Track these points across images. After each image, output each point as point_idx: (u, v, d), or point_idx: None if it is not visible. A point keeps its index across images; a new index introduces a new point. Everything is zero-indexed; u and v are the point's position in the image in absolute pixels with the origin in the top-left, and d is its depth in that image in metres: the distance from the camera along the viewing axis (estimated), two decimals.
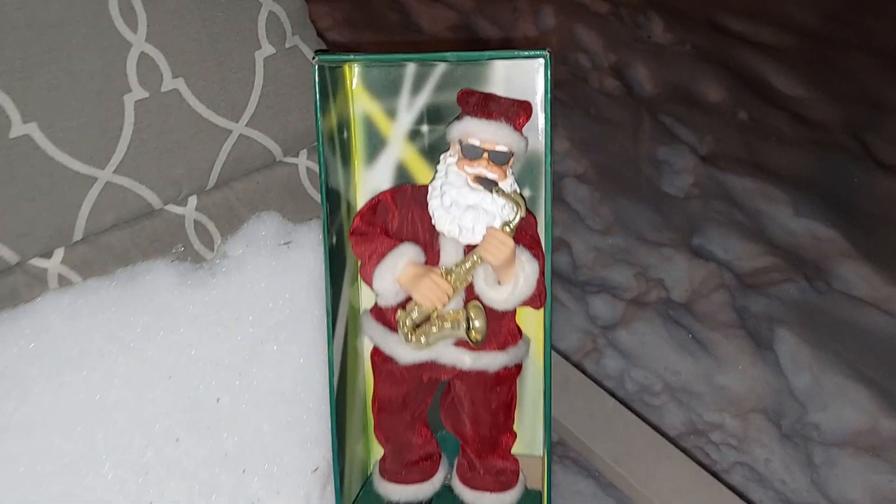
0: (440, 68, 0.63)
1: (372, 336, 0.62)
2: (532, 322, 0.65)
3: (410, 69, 0.64)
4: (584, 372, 0.73)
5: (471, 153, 0.56)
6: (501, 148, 0.56)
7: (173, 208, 0.71)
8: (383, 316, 0.61)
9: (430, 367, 0.60)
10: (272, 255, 0.73)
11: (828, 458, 1.35)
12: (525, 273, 0.56)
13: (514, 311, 0.62)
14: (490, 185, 0.56)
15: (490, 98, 0.59)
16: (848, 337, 1.52)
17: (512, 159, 0.58)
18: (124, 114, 0.65)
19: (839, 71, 2.42)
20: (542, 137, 0.62)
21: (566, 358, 0.76)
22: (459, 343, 0.59)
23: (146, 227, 0.68)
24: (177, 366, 0.67)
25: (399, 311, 0.58)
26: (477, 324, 0.56)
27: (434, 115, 0.64)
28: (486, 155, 0.56)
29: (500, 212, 0.56)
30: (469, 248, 0.58)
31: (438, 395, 0.66)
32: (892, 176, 1.93)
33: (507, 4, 2.46)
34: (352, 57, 0.58)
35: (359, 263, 0.62)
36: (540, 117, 0.62)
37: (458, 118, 0.59)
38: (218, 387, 0.67)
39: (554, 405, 0.66)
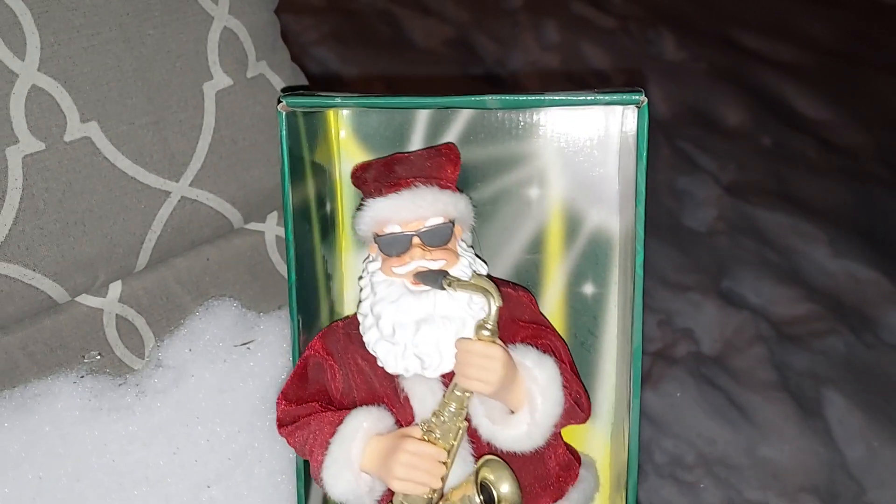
0: (466, 111, 0.44)
1: None
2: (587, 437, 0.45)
3: (424, 112, 0.44)
4: None
5: (394, 247, 0.39)
6: (435, 221, 0.39)
7: (87, 300, 0.52)
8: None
9: None
10: (226, 361, 0.54)
11: None
12: (539, 385, 0.37)
13: (559, 433, 0.43)
14: (438, 278, 0.38)
15: (392, 161, 0.42)
16: None
17: (455, 229, 0.40)
18: (8, 174, 0.46)
19: (864, 93, 2.26)
20: (617, 213, 0.43)
21: None
22: None
23: (45, 328, 0.51)
24: None
25: None
26: (503, 489, 0.36)
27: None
28: (415, 240, 0.39)
29: (467, 310, 0.38)
30: (447, 379, 0.39)
31: None
32: None
33: (506, 18, 2.28)
34: (337, 101, 0.38)
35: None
36: (617, 185, 0.42)
37: (359, 207, 0.42)
38: None
39: None
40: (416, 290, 0.38)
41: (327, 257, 0.45)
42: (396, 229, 0.39)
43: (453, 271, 0.38)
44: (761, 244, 1.71)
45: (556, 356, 0.39)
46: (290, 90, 0.54)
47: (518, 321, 0.40)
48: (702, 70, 2.26)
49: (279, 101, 0.38)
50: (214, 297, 0.56)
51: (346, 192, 0.47)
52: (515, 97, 0.37)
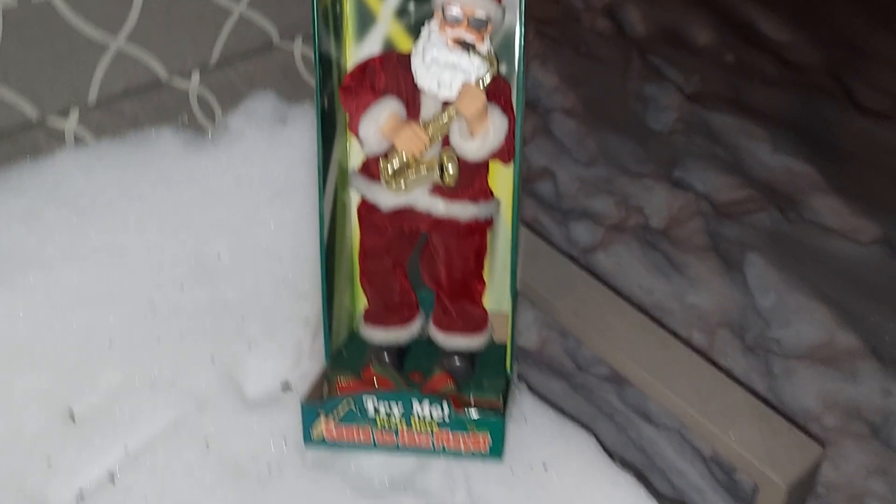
0: None
1: (358, 188, 0.69)
2: (504, 187, 0.72)
3: None
4: (551, 243, 0.80)
5: (452, 19, 0.63)
6: (480, 14, 0.63)
7: (178, 82, 0.78)
8: (369, 171, 0.68)
9: (409, 215, 0.67)
10: (269, 132, 0.80)
11: (786, 368, 1.42)
12: (495, 126, 0.63)
13: (487, 171, 0.69)
14: (468, 47, 0.63)
15: None
16: (814, 262, 1.59)
17: (489, 26, 0.64)
18: None
19: (823, 18, 2.47)
20: (517, 14, 0.68)
21: (537, 234, 0.83)
22: (435, 191, 0.66)
23: (153, 98, 0.75)
24: (182, 223, 0.72)
25: (381, 160, 0.65)
26: (451, 169, 0.63)
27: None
28: (465, 21, 0.63)
29: (475, 71, 0.63)
30: (446, 105, 0.65)
31: (417, 259, 0.74)
32: (867, 117, 1.99)
33: None
34: None
35: (347, 120, 0.69)
36: None
37: None
38: (219, 245, 0.73)
39: (522, 269, 0.73)
40: (452, 48, 0.63)
41: (337, 43, 0.71)
42: (457, 9, 0.62)
43: (478, 47, 0.63)
44: (711, 142, 1.95)
45: (510, 119, 0.64)
46: None
47: (498, 94, 0.65)
48: None
49: None
50: (261, 88, 0.82)
51: (349, 4, 0.72)
52: None
